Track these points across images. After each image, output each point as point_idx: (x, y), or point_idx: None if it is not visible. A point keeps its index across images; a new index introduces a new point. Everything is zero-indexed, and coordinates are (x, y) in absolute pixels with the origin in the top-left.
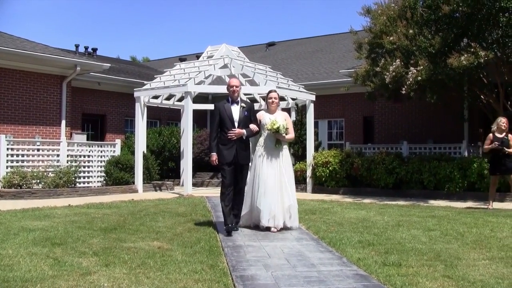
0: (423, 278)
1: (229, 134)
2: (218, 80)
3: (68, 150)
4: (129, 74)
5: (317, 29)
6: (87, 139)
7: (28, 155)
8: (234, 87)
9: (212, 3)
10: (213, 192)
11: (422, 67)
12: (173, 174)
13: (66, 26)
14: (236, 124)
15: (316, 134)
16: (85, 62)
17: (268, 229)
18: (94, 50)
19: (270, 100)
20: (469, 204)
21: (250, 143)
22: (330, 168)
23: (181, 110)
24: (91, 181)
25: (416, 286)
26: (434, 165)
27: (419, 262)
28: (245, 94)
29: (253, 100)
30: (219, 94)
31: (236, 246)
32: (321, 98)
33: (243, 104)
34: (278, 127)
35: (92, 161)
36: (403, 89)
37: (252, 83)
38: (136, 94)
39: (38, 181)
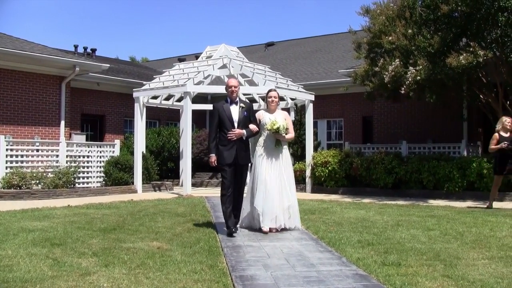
0: (423, 278)
1: (229, 135)
2: (217, 80)
3: (67, 150)
4: (128, 75)
5: (316, 29)
6: (86, 140)
7: (27, 156)
8: (233, 87)
9: (211, 3)
10: (213, 192)
11: (421, 66)
12: (173, 174)
13: (65, 27)
14: (235, 125)
15: (315, 134)
16: (84, 62)
17: (268, 229)
18: (93, 50)
19: (270, 99)
20: (469, 203)
21: (250, 143)
22: (329, 168)
23: (180, 110)
24: (91, 182)
25: (416, 286)
26: (433, 165)
27: (419, 261)
28: (244, 94)
29: (252, 100)
30: (218, 94)
31: (236, 246)
32: (320, 98)
33: (242, 104)
34: (278, 128)
35: (91, 161)
36: (402, 89)
37: (251, 83)
38: (135, 95)
39: (38, 181)
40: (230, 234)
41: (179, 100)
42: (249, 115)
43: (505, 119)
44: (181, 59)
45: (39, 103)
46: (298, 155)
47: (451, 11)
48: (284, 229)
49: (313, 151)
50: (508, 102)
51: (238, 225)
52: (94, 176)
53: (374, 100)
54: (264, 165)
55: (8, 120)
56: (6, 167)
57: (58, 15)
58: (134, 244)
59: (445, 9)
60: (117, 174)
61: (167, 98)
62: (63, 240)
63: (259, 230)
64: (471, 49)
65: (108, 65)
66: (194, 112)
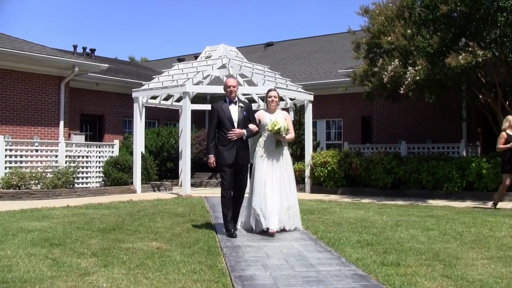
0: (422, 278)
1: (229, 135)
2: (216, 81)
3: (66, 150)
4: (128, 75)
5: (315, 29)
6: (86, 140)
7: (26, 156)
8: (231, 87)
9: (210, 3)
10: (212, 192)
11: (420, 66)
12: (172, 174)
13: (64, 27)
14: (235, 125)
15: (314, 134)
16: (83, 62)
17: (268, 230)
18: (92, 50)
19: (270, 99)
20: (468, 203)
21: (249, 143)
22: (329, 168)
23: (180, 110)
24: (90, 182)
25: (415, 286)
26: (432, 165)
27: (418, 261)
28: (243, 94)
29: (252, 100)
30: (217, 95)
31: (235, 246)
32: (319, 98)
33: (241, 104)
34: (279, 128)
35: (90, 161)
36: (401, 89)
37: (250, 83)
38: (134, 95)
39: (37, 181)
40: (231, 236)
41: (178, 100)
42: (248, 115)
43: None
44: (180, 59)
45: (38, 103)
46: (297, 155)
47: (450, 11)
48: (283, 230)
49: (312, 151)
50: (507, 102)
51: (238, 226)
52: (93, 176)
53: (373, 100)
54: (264, 166)
55: (7, 120)
56: (5, 167)
57: (58, 15)
58: (133, 244)
59: (444, 9)
60: (116, 174)
61: (166, 98)
62: (62, 240)
63: (260, 232)
64: (470, 49)
65: (107, 65)
66: (193, 112)
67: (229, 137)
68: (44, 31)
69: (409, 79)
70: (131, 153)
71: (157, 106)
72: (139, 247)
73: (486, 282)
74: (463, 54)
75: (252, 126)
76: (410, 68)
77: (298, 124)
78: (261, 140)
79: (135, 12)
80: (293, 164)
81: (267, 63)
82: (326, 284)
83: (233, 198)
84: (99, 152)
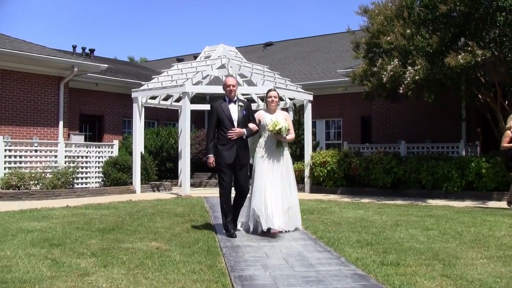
0: (421, 278)
1: (230, 134)
2: (216, 81)
3: (66, 151)
4: (127, 75)
5: (314, 29)
6: (85, 140)
7: (26, 156)
8: (231, 86)
9: (209, 3)
10: (211, 193)
11: (419, 66)
12: (171, 174)
13: (63, 27)
14: (235, 124)
15: (314, 134)
16: (83, 63)
17: (269, 231)
18: (92, 50)
19: (270, 99)
20: (467, 203)
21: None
22: (328, 168)
23: (179, 110)
24: (89, 182)
25: (415, 286)
26: (432, 165)
27: (417, 261)
28: (242, 94)
29: (251, 100)
30: (216, 95)
31: (235, 246)
32: (318, 98)
33: (240, 103)
34: (280, 129)
35: (90, 161)
36: (401, 88)
37: (250, 83)
38: (133, 95)
39: (36, 182)
40: (230, 236)
41: (178, 100)
42: (248, 114)
43: None
44: (179, 59)
45: (37, 103)
46: (296, 155)
47: (450, 11)
48: (285, 231)
49: (312, 151)
50: (506, 102)
51: (238, 227)
52: (92, 177)
53: (373, 100)
54: (265, 167)
55: (6, 121)
56: (5, 168)
57: (57, 15)
58: (133, 245)
59: (444, 9)
60: (116, 175)
61: (166, 98)
62: (61, 241)
63: (261, 233)
64: (469, 48)
65: (107, 66)
66: (193, 112)
67: (229, 136)
68: (44, 31)
69: (408, 79)
70: (131, 153)
71: (157, 106)
72: (139, 247)
73: (486, 282)
74: (463, 54)
75: (252, 126)
76: (409, 67)
77: (298, 124)
78: (262, 141)
79: (135, 12)
80: (293, 164)
81: (266, 63)
82: (326, 284)
83: (235, 199)
84: (99, 152)
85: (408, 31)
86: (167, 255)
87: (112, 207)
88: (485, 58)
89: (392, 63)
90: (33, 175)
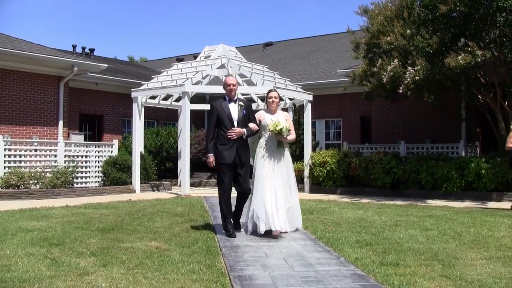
0: (421, 278)
1: (229, 134)
2: (216, 80)
3: (65, 150)
4: (127, 75)
5: (314, 29)
6: (85, 140)
7: (25, 156)
8: (231, 85)
9: (209, 3)
10: (211, 192)
11: (419, 67)
12: (171, 174)
13: (63, 27)
14: (235, 123)
15: (313, 134)
16: (83, 62)
17: (269, 233)
18: (92, 50)
19: (270, 100)
20: (467, 203)
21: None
22: (328, 168)
23: (179, 110)
24: (89, 182)
25: (414, 286)
26: (431, 165)
27: (417, 261)
28: (242, 94)
29: (251, 100)
30: (216, 94)
31: (234, 246)
32: (318, 98)
33: (241, 103)
34: (281, 129)
35: (89, 161)
36: (400, 88)
37: (250, 83)
38: (133, 94)
39: (36, 181)
40: (230, 236)
41: (178, 100)
42: (248, 114)
43: None
44: (179, 59)
45: (37, 103)
46: (296, 155)
47: (450, 11)
48: (286, 232)
49: (312, 151)
50: (506, 102)
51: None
52: (92, 176)
53: (373, 100)
54: (266, 167)
55: (6, 120)
56: (4, 167)
57: (57, 15)
58: (132, 244)
59: (444, 9)
60: (115, 174)
61: (166, 98)
62: (61, 240)
63: (260, 233)
64: (469, 49)
65: (106, 65)
66: (193, 112)
67: (228, 136)
68: (44, 31)
69: (408, 79)
70: (130, 153)
71: (156, 106)
72: (138, 246)
73: (485, 282)
74: (462, 54)
75: (252, 125)
76: (409, 68)
77: (297, 124)
78: (262, 141)
79: (134, 12)
80: (292, 164)
81: (266, 63)
82: (325, 284)
83: (237, 199)
84: (98, 152)
85: (408, 31)
86: (166, 254)
87: (112, 206)
88: (485, 59)
89: (392, 63)
90: (32, 175)
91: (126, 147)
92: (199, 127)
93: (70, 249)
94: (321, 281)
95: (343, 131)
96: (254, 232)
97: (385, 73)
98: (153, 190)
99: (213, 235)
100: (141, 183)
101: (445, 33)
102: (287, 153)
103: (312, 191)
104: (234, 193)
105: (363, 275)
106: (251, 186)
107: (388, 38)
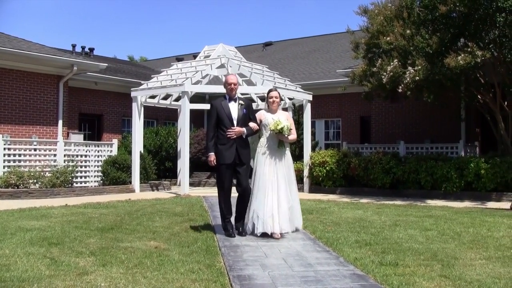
0: (420, 278)
1: (229, 133)
2: (215, 80)
3: (65, 150)
4: (126, 74)
5: (314, 29)
6: (84, 139)
7: (25, 155)
8: (232, 84)
9: (209, 3)
10: (210, 192)
11: (419, 67)
12: (170, 174)
13: (63, 26)
14: (235, 123)
15: (313, 134)
16: (82, 61)
17: (270, 234)
18: (91, 50)
19: (271, 100)
20: (466, 203)
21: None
22: (327, 168)
23: (178, 110)
24: (88, 181)
25: (413, 286)
26: (431, 165)
27: (416, 261)
28: (242, 94)
29: (250, 100)
30: (216, 94)
31: (233, 245)
32: (318, 98)
33: (241, 102)
34: (282, 128)
35: (89, 160)
36: (400, 87)
37: (249, 83)
38: (133, 94)
39: (35, 181)
40: (229, 235)
41: (177, 99)
42: (248, 113)
43: None
44: (179, 59)
45: (37, 102)
46: (296, 155)
47: (449, 11)
48: (286, 232)
49: (311, 151)
50: (505, 102)
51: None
52: (91, 176)
53: (372, 100)
54: (266, 167)
55: (6, 120)
56: (4, 166)
57: (57, 15)
58: (132, 244)
59: (443, 9)
60: (115, 174)
61: (165, 98)
62: (60, 240)
63: (261, 234)
64: (469, 49)
65: (106, 65)
66: (192, 111)
67: (228, 135)
68: (43, 31)
69: (408, 79)
70: (130, 153)
71: (156, 105)
72: (138, 246)
73: (484, 282)
74: (462, 55)
75: (252, 125)
76: (409, 68)
77: (297, 124)
78: (263, 141)
79: (134, 12)
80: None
81: (266, 63)
82: (325, 284)
83: (237, 199)
84: (98, 151)
85: (408, 31)
86: (166, 254)
87: (111, 206)
88: (484, 59)
89: (391, 63)
90: (32, 174)
91: (125, 146)
92: (199, 126)
93: (70, 248)
94: (321, 281)
95: (342, 131)
96: (254, 233)
97: (384, 73)
98: (153, 190)
99: (212, 235)
100: (140, 182)
101: (445, 33)
102: (288, 153)
103: (311, 191)
104: (234, 193)
105: (363, 275)
106: (251, 186)
107: (388, 38)
